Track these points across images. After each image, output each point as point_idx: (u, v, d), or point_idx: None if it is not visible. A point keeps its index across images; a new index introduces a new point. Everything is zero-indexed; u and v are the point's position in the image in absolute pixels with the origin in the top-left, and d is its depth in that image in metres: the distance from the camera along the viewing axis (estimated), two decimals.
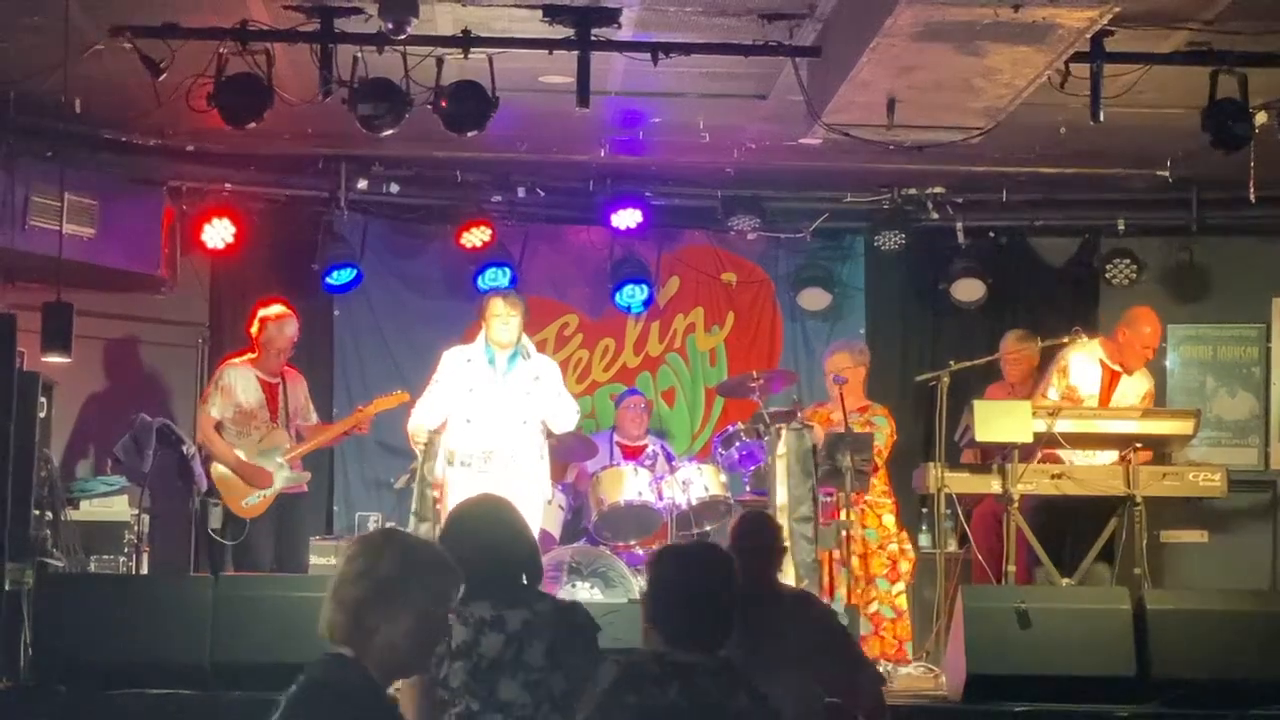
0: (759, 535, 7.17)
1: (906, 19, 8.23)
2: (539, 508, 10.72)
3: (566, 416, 10.87)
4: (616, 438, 13.10)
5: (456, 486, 10.39)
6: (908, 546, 11.77)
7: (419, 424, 10.73)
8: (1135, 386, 11.65)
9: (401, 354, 13.80)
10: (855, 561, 11.32)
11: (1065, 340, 11.63)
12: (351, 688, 4.23)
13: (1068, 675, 9.56)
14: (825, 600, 10.69)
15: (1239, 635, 9.71)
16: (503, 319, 10.65)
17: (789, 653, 6.48)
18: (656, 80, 10.51)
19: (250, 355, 11.97)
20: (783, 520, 10.55)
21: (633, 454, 12.87)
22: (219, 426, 11.75)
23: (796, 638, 6.64)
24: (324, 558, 12.36)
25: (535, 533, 10.47)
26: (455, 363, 10.80)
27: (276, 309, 12.00)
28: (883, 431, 11.84)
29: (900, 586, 11.57)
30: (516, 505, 10.42)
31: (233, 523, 11.65)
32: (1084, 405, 11.34)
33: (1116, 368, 11.59)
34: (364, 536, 4.58)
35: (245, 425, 11.76)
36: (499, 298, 10.84)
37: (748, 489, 12.22)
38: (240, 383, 11.82)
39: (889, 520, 11.66)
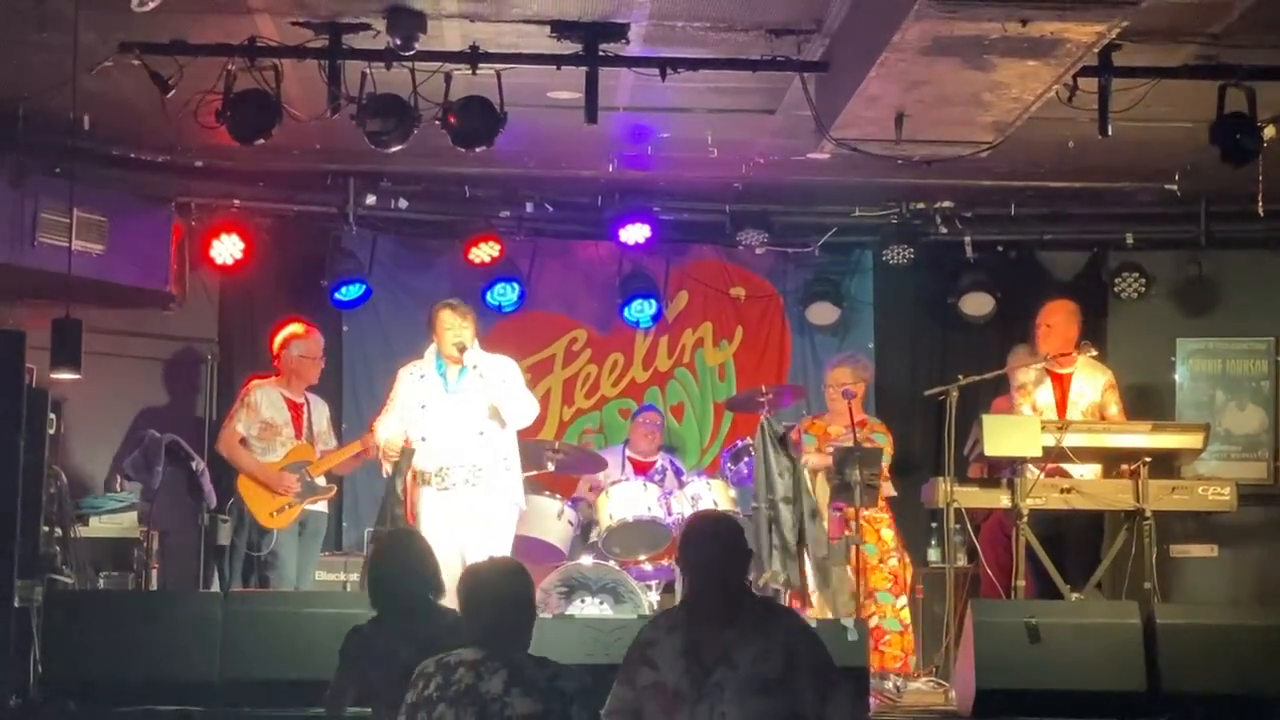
0: (718, 537, 6.24)
1: (914, 33, 8.23)
2: (509, 518, 10.58)
3: (522, 413, 10.68)
4: (629, 452, 13.09)
5: (423, 504, 10.42)
6: (907, 560, 11.73)
7: (387, 438, 10.59)
8: (1090, 381, 11.61)
9: None
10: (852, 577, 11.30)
11: (1072, 354, 11.63)
12: None
13: (1077, 690, 9.55)
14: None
15: (1249, 650, 9.71)
16: (455, 331, 10.52)
17: (749, 675, 5.92)
18: (664, 95, 10.51)
19: (276, 376, 12.00)
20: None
21: (643, 469, 12.87)
22: (244, 442, 11.76)
23: (758, 657, 5.95)
24: (332, 574, 12.39)
25: (508, 542, 10.50)
26: (409, 379, 10.69)
27: (299, 327, 12.03)
28: (881, 448, 11.81)
29: (904, 600, 11.54)
30: (482, 520, 10.49)
31: (258, 535, 11.64)
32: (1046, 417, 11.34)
33: (1058, 369, 11.61)
34: None
35: (270, 440, 11.77)
36: (447, 309, 10.66)
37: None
38: (266, 400, 11.84)
39: (888, 534, 11.62)
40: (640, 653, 6.06)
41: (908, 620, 11.55)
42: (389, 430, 10.63)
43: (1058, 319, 11.70)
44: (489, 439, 10.50)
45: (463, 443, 10.45)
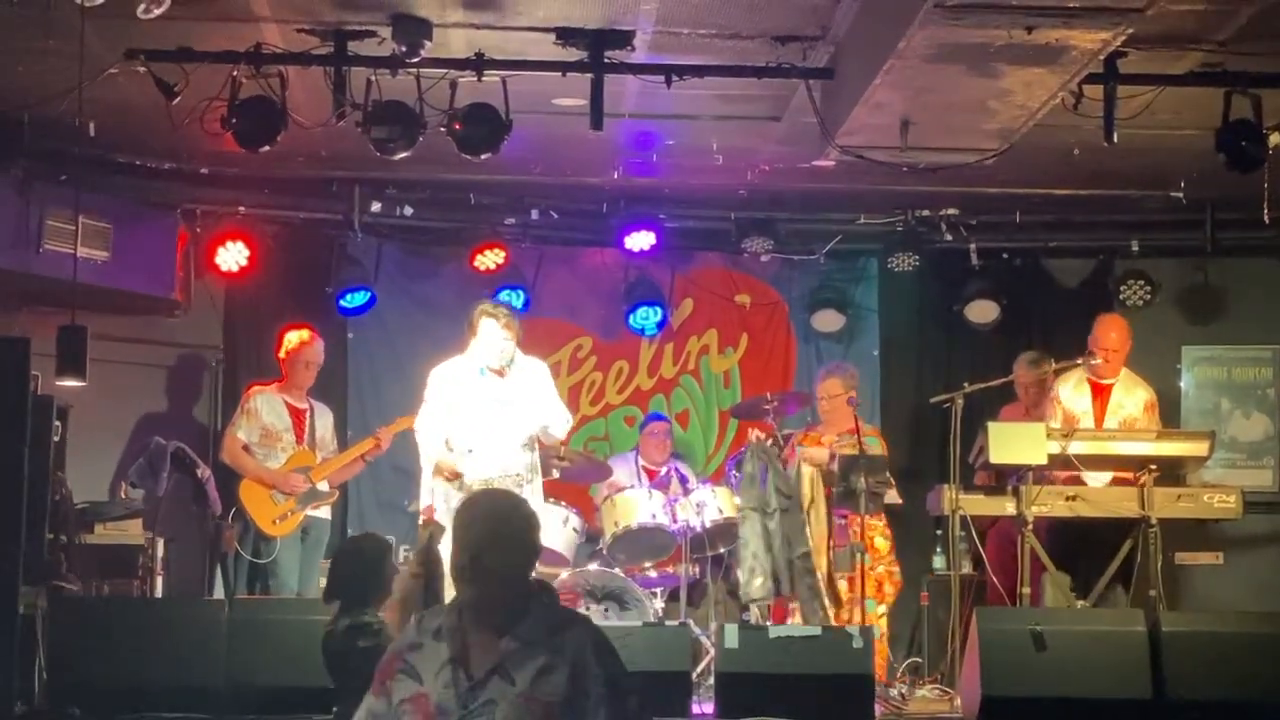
0: (498, 519, 5.08)
1: (920, 41, 8.23)
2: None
3: (562, 419, 10.73)
4: (642, 461, 13.10)
5: None
6: (895, 570, 11.68)
7: (440, 457, 10.48)
8: (1130, 395, 11.68)
9: (415, 376, 13.68)
10: (842, 584, 11.28)
11: (1079, 362, 11.65)
12: None
13: (1083, 698, 9.56)
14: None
15: (1254, 657, 9.71)
16: (499, 343, 10.51)
17: (526, 693, 4.89)
18: (670, 102, 10.51)
19: (278, 382, 12.01)
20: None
21: (651, 476, 12.88)
22: (246, 449, 11.77)
23: (540, 674, 4.91)
24: None
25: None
26: (449, 382, 10.62)
27: (303, 333, 12.05)
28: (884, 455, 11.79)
29: (883, 609, 11.51)
30: None
31: (261, 542, 11.65)
32: (1082, 427, 11.37)
33: (1101, 380, 11.63)
34: None
35: (271, 446, 11.80)
36: (492, 319, 10.59)
37: None
38: (266, 406, 11.87)
39: (880, 542, 11.56)
40: (400, 659, 4.97)
41: (884, 628, 11.49)
42: (434, 435, 10.53)
43: (1121, 339, 11.75)
44: (528, 448, 10.52)
45: (505, 452, 10.47)
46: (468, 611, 4.95)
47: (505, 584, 4.96)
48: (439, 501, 10.33)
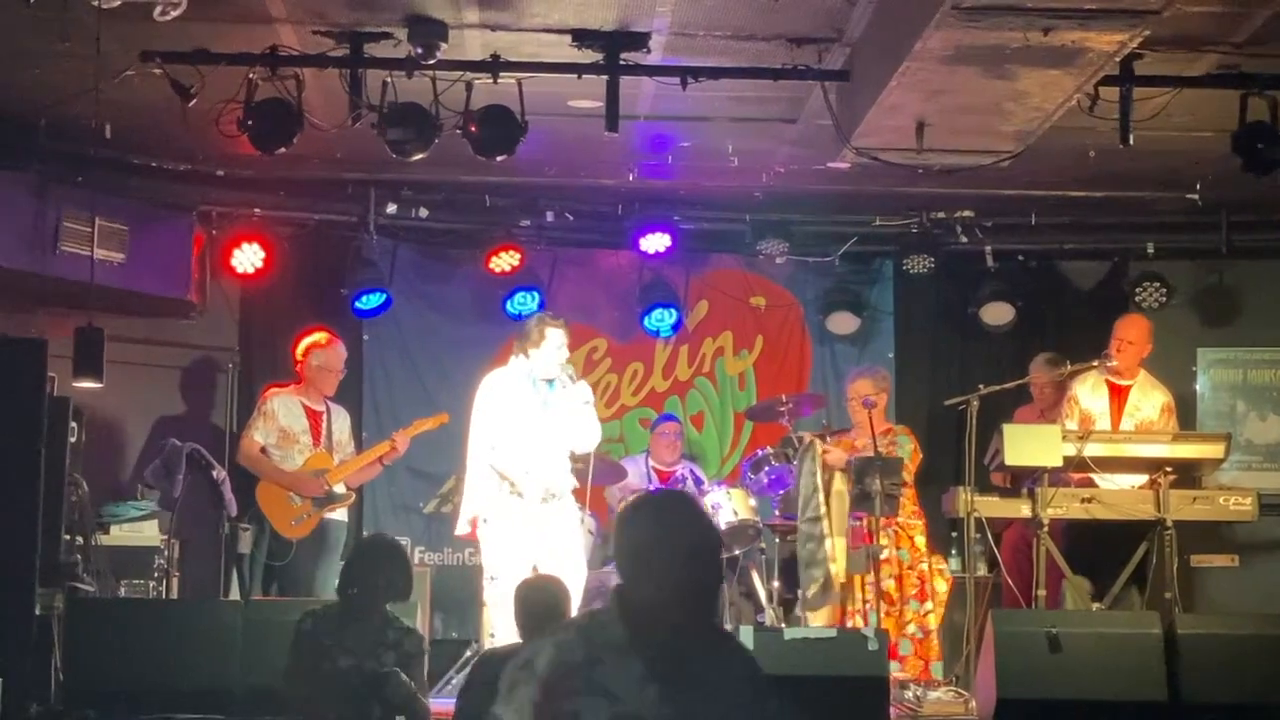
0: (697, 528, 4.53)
1: (936, 42, 8.23)
2: (581, 534, 10.77)
3: (595, 437, 10.77)
4: (652, 462, 13.10)
5: (508, 516, 10.27)
6: (942, 567, 11.67)
7: (505, 466, 10.34)
8: (1148, 398, 11.70)
9: (430, 378, 13.82)
10: (890, 584, 11.28)
11: (1094, 364, 11.64)
12: None
13: (1098, 700, 9.54)
14: (855, 625, 10.77)
15: (1271, 659, 9.68)
16: (563, 351, 10.48)
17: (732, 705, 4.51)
18: (685, 104, 10.50)
19: (294, 384, 12.03)
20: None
21: (663, 478, 12.88)
22: (263, 451, 11.78)
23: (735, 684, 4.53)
24: None
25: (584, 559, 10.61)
26: (508, 393, 10.46)
27: (323, 336, 12.06)
28: (906, 450, 11.77)
29: (929, 606, 11.50)
30: (566, 535, 10.56)
31: (278, 544, 11.66)
32: (1097, 427, 11.37)
33: (1119, 381, 11.63)
34: None
35: (288, 448, 11.80)
36: (558, 328, 10.51)
37: (777, 513, 12.23)
38: (284, 409, 11.87)
39: (920, 540, 11.58)
40: (582, 678, 4.32)
41: (931, 626, 11.49)
42: (497, 444, 10.36)
43: (1140, 335, 11.75)
44: (569, 457, 10.57)
45: (556, 461, 10.46)
46: (654, 624, 4.39)
47: (703, 593, 4.45)
48: (496, 510, 10.32)
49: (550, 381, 10.45)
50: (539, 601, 7.69)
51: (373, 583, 8.17)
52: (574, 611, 8.01)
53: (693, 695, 4.36)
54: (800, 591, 11.38)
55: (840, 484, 11.39)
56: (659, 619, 4.34)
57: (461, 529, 10.52)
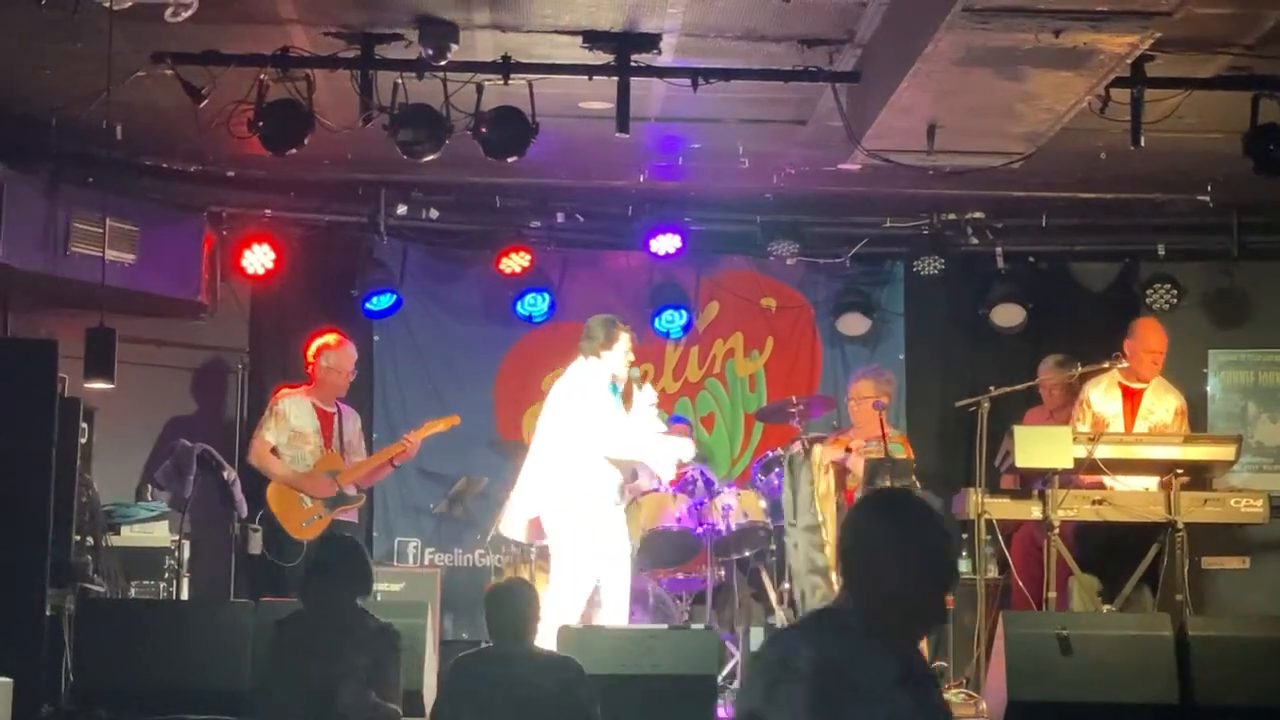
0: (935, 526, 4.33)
1: (947, 44, 8.22)
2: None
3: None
4: None
5: (591, 527, 10.42)
6: None
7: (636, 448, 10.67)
8: (1161, 401, 11.69)
9: (441, 379, 13.81)
10: None
11: (1105, 366, 11.62)
12: None
13: (1109, 702, 9.53)
14: None
15: None
16: (630, 353, 10.77)
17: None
18: (696, 106, 10.51)
19: (306, 385, 12.04)
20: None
21: (675, 480, 12.86)
22: (274, 451, 11.80)
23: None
24: None
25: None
26: (605, 390, 10.71)
27: (334, 337, 12.08)
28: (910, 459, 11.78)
29: None
30: (623, 539, 10.64)
31: (289, 546, 11.67)
32: (1110, 430, 11.35)
33: (1133, 384, 11.63)
34: None
35: (299, 449, 11.83)
36: (627, 331, 10.85)
37: None
38: (295, 409, 11.91)
39: None
40: (838, 683, 4.10)
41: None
42: (626, 438, 10.64)
43: (1165, 344, 11.78)
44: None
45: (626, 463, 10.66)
46: (889, 627, 4.23)
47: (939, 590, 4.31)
48: (591, 506, 10.44)
49: (614, 385, 10.57)
50: (510, 604, 7.82)
51: (331, 582, 8.11)
52: (541, 617, 8.03)
53: (930, 696, 4.28)
54: (801, 597, 11.31)
55: (827, 487, 11.37)
56: (909, 620, 4.25)
57: (516, 526, 10.64)
